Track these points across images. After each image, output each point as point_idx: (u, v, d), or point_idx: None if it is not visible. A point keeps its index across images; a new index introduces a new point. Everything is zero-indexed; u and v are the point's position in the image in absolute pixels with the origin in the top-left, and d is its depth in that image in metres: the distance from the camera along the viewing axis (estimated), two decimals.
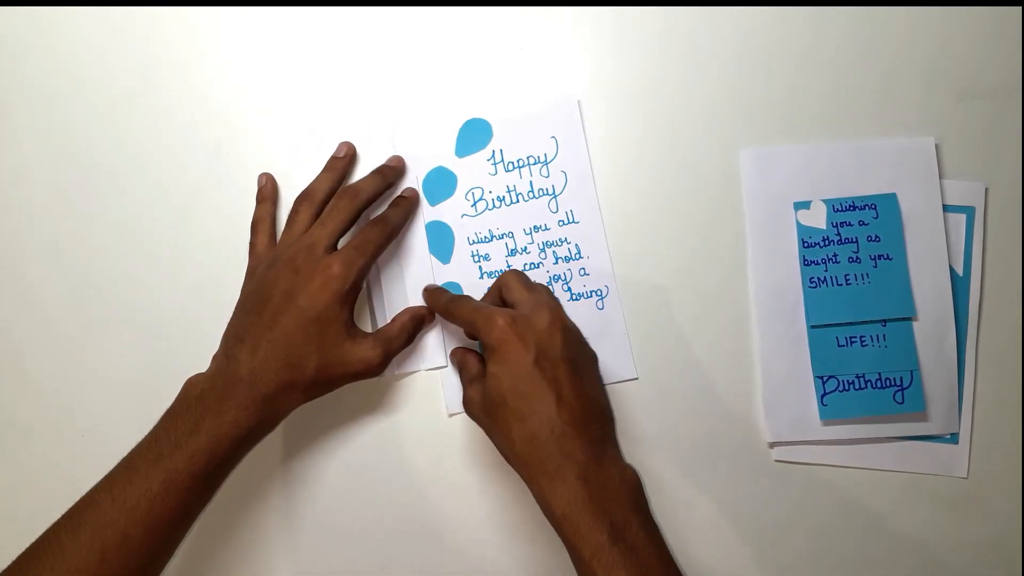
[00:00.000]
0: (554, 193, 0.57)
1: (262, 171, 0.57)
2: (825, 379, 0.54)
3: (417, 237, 0.56)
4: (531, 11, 0.57)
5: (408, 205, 0.55)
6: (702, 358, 0.56)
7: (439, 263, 0.57)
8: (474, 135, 0.57)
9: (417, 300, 0.56)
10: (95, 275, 0.58)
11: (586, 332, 0.56)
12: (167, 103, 0.58)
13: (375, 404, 0.56)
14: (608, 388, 0.55)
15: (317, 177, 0.55)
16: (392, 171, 0.56)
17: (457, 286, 0.57)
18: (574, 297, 0.56)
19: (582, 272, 0.56)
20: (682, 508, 0.55)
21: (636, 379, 0.56)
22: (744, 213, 0.56)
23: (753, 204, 0.56)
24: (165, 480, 0.44)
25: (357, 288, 0.50)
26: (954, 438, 0.55)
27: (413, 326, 0.54)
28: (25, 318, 0.58)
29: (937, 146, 0.55)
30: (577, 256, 0.56)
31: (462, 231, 0.57)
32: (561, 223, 0.57)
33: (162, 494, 0.44)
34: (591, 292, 0.56)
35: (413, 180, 0.57)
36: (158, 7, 0.58)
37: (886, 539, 0.55)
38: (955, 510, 0.55)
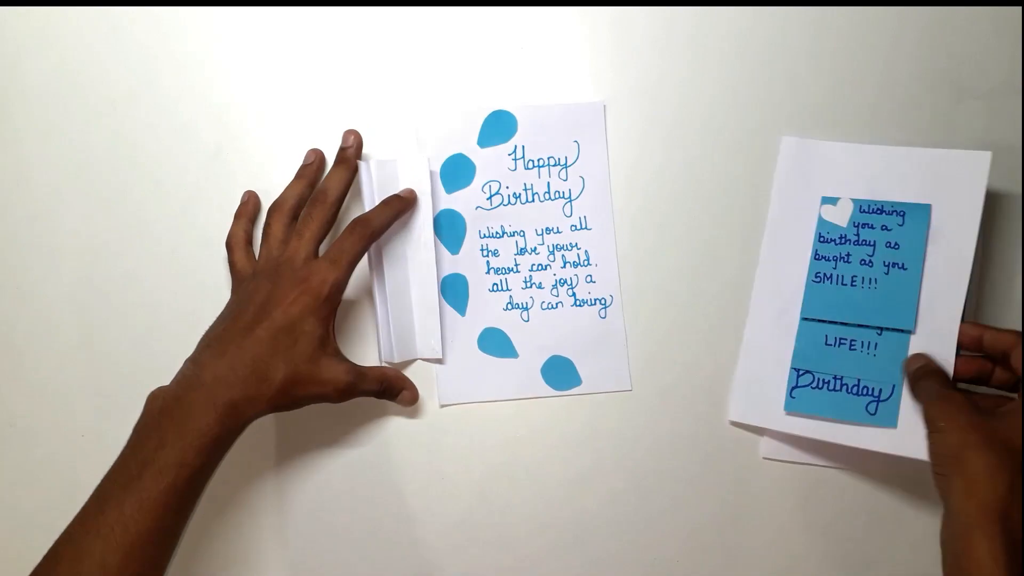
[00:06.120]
0: (570, 197, 0.56)
1: (260, 173, 0.57)
2: (801, 372, 0.53)
3: (427, 224, 0.55)
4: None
5: (398, 205, 0.53)
6: (700, 361, 0.56)
7: (447, 253, 0.57)
8: (499, 127, 0.56)
9: (419, 287, 0.56)
10: (95, 275, 0.58)
11: (585, 340, 0.56)
12: (170, 103, 0.58)
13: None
14: (601, 397, 0.56)
15: (287, 186, 0.54)
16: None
17: (463, 278, 0.57)
18: (578, 303, 0.56)
19: (588, 279, 0.56)
20: (680, 510, 0.55)
21: (630, 391, 0.56)
22: (768, 206, 0.55)
23: (781, 191, 0.55)
24: (137, 501, 0.43)
25: (334, 300, 0.49)
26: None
27: (391, 382, 0.54)
28: (25, 318, 0.58)
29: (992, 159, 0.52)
30: (586, 262, 0.56)
31: (475, 223, 0.57)
32: (574, 228, 0.56)
33: (136, 516, 0.43)
34: (595, 300, 0.56)
35: (428, 164, 0.55)
36: (159, 7, 0.58)
37: (887, 539, 0.55)
38: None
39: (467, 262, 0.57)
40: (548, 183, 0.56)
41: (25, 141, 0.58)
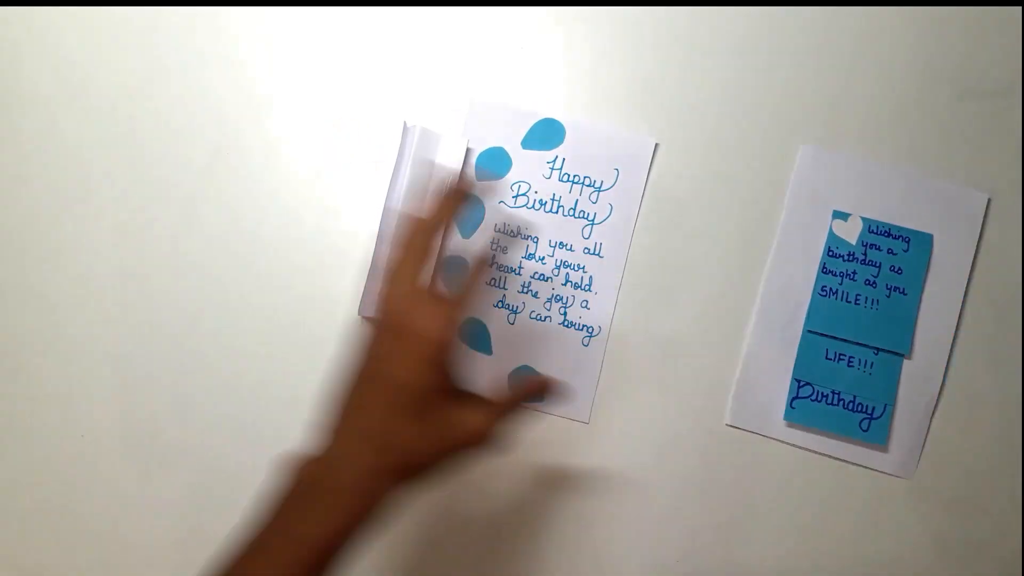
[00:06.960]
0: (593, 221, 0.57)
1: (261, 172, 0.57)
2: (802, 383, 0.54)
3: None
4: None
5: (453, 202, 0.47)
6: (699, 363, 0.56)
7: (458, 235, 0.57)
8: (546, 134, 0.57)
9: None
10: (95, 276, 0.58)
11: (562, 361, 0.56)
12: (171, 103, 0.58)
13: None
14: (557, 421, 0.56)
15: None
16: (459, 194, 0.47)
17: (465, 263, 0.57)
18: (566, 324, 0.56)
19: (584, 304, 0.56)
20: (679, 511, 0.56)
21: (586, 423, 0.56)
22: (779, 220, 0.56)
23: (795, 200, 0.56)
24: (268, 566, 0.40)
25: (454, 345, 0.43)
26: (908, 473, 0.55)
27: (532, 391, 0.46)
28: (25, 318, 0.58)
29: (989, 200, 0.55)
30: (587, 287, 0.56)
31: (493, 216, 0.57)
32: (587, 251, 0.56)
33: None
34: (583, 326, 0.56)
35: (467, 143, 0.57)
36: (163, 7, 0.58)
37: (888, 539, 0.55)
38: (955, 509, 0.55)
39: (474, 250, 0.57)
40: (576, 200, 0.57)
41: (25, 141, 0.59)
